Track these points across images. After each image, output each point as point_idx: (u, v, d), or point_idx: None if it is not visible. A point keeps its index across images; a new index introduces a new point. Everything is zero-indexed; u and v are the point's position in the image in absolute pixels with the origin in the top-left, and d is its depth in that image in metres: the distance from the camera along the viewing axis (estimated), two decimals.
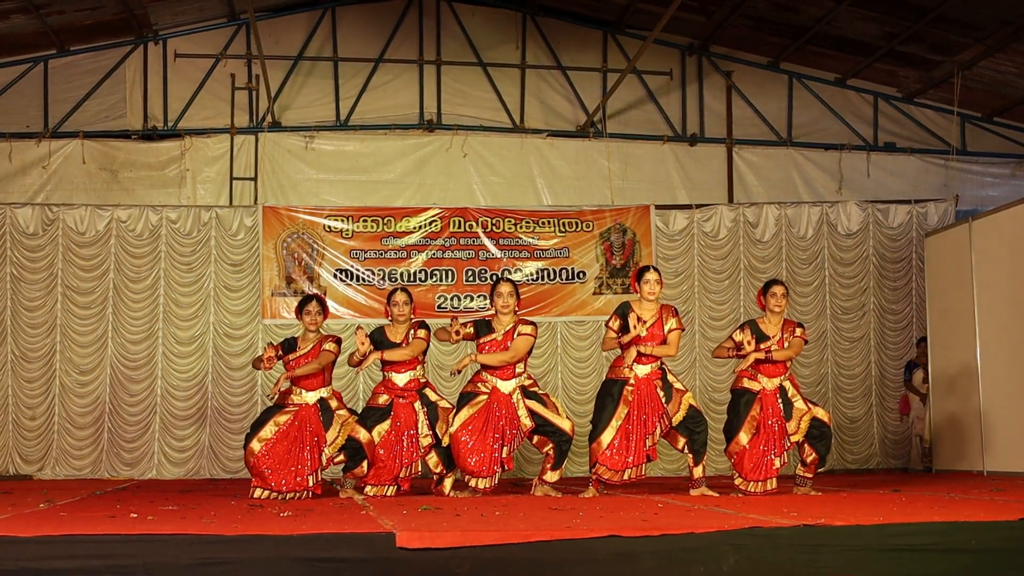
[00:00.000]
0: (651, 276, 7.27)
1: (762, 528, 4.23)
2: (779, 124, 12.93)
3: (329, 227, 11.55)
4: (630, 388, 7.11)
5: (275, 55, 12.10)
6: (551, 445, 7.24)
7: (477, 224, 11.72)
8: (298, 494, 7.07)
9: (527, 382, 7.37)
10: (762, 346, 7.27)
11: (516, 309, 7.42)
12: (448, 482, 7.37)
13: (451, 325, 7.31)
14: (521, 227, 11.77)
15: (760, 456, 7.21)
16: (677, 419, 7.12)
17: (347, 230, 11.58)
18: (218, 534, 4.12)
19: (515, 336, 7.30)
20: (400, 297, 7.43)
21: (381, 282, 11.46)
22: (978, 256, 10.25)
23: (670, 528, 4.18)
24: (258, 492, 7.08)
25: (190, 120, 12.15)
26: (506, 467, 7.29)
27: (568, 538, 4.03)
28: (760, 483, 7.20)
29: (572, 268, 11.71)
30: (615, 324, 7.24)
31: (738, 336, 7.42)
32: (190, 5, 11.83)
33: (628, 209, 11.92)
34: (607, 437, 7.04)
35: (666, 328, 7.19)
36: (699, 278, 11.88)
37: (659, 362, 7.24)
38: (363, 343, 7.25)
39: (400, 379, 7.37)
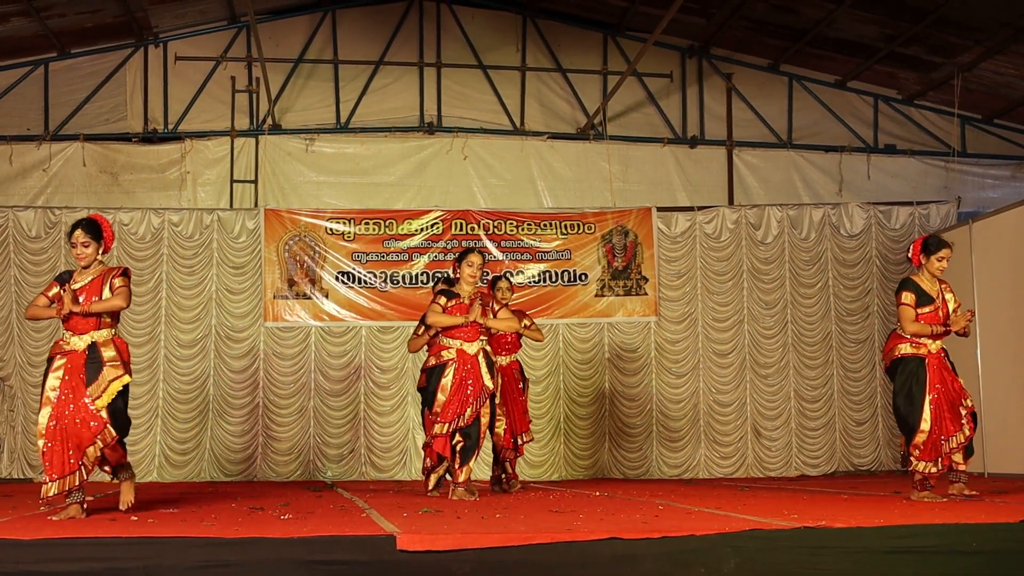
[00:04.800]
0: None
1: (763, 531, 4.22)
2: (779, 126, 12.93)
3: (331, 230, 11.55)
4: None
5: (275, 58, 12.10)
6: (459, 441, 7.08)
7: (479, 226, 11.72)
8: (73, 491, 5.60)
9: (488, 347, 7.31)
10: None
11: (478, 282, 7.48)
12: (433, 478, 7.49)
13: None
14: (523, 229, 11.77)
15: (939, 432, 6.52)
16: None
17: (349, 232, 11.58)
18: (219, 537, 4.12)
19: (495, 315, 7.24)
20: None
21: (383, 284, 11.47)
22: (978, 257, 10.25)
23: (671, 530, 4.18)
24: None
25: (190, 123, 12.16)
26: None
27: (569, 540, 4.03)
28: (938, 460, 6.47)
29: (574, 270, 11.71)
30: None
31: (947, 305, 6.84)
32: (190, 8, 11.84)
33: (630, 211, 11.92)
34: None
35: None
36: (701, 279, 11.87)
37: None
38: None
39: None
